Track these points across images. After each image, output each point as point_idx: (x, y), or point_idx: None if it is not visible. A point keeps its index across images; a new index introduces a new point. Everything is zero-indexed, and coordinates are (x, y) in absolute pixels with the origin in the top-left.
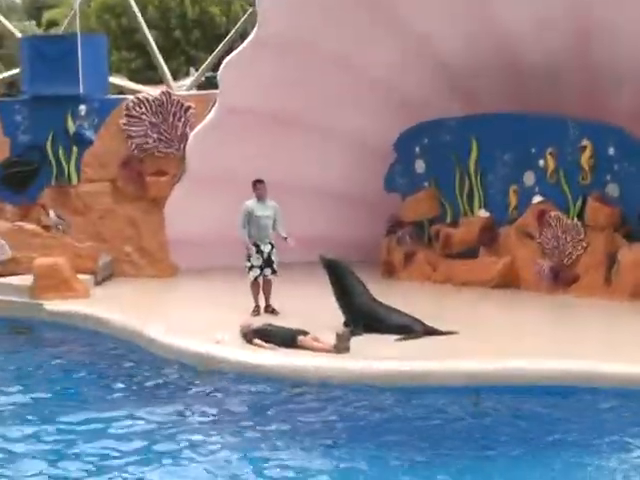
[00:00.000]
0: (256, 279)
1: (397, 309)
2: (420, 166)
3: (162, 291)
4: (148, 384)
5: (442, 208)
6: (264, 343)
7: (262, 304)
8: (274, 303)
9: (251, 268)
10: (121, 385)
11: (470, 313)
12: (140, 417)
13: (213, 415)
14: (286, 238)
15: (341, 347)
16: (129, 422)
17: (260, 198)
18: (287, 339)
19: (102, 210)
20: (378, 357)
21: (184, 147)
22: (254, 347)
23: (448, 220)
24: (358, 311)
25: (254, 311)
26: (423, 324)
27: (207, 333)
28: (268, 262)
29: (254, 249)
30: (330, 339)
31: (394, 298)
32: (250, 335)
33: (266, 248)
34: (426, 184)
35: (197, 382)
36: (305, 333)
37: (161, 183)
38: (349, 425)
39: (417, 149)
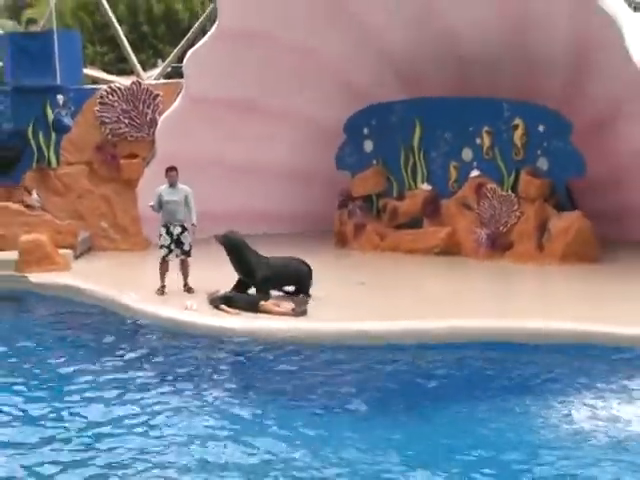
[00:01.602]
0: (164, 259)
1: (278, 258)
2: (368, 145)
3: (135, 263)
4: (122, 345)
5: (389, 183)
6: (229, 309)
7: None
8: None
9: (160, 247)
10: (93, 344)
11: (413, 279)
12: (111, 369)
13: (163, 370)
14: (193, 225)
15: (299, 311)
16: (95, 374)
17: (171, 184)
18: (250, 304)
19: (80, 190)
20: (332, 319)
21: (153, 132)
22: (220, 312)
23: (394, 194)
24: (264, 279)
25: (158, 290)
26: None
27: (178, 301)
28: (177, 243)
29: (163, 230)
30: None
31: (346, 266)
32: (216, 302)
33: (176, 230)
34: (374, 162)
35: (166, 344)
36: (266, 298)
37: (133, 165)
38: (299, 382)
39: (365, 130)
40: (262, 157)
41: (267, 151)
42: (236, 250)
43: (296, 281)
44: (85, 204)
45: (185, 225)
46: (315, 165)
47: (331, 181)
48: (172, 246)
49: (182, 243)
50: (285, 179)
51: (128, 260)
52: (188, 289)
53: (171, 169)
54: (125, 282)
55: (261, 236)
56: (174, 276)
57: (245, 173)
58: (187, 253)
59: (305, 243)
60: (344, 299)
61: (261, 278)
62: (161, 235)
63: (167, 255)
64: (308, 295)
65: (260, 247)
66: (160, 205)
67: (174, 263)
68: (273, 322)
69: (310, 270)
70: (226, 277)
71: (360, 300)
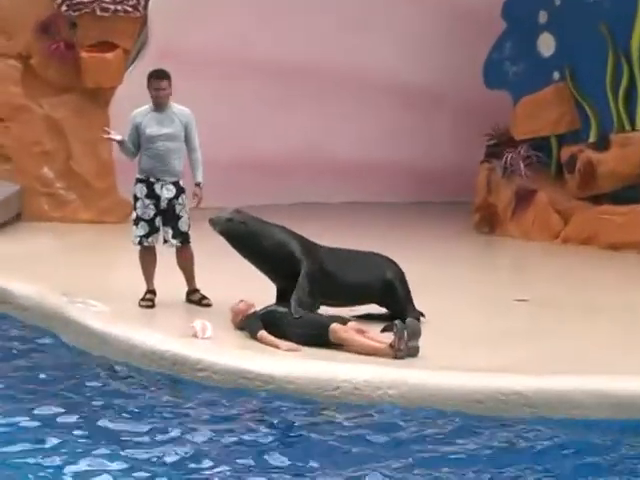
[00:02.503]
0: (143, 244)
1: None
2: (546, 45)
3: (103, 247)
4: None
5: (582, 117)
6: (275, 339)
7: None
8: (202, 287)
9: (135, 224)
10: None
11: (624, 295)
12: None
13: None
14: (198, 184)
15: (403, 348)
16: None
17: (159, 105)
18: (314, 329)
19: (5, 107)
20: (479, 366)
21: (146, 3)
22: (259, 344)
23: (591, 138)
24: (310, 277)
25: (143, 300)
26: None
27: (178, 320)
28: (168, 218)
29: (141, 190)
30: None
31: (495, 267)
32: (252, 325)
33: (165, 192)
34: (555, 76)
35: (155, 403)
36: (343, 320)
37: (105, 63)
38: None
39: (542, 16)
40: (342, 59)
41: (354, 50)
42: (246, 241)
43: (377, 294)
44: (14, 133)
45: (181, 183)
46: (441, 80)
47: (471, 110)
48: (157, 221)
49: (177, 217)
50: (384, 102)
51: (90, 240)
52: (199, 300)
53: (159, 76)
54: (82, 283)
55: (334, 207)
56: (172, 276)
57: (308, 85)
58: (185, 237)
59: (418, 223)
60: (493, 328)
61: (307, 275)
62: (137, 199)
63: (147, 238)
64: (418, 316)
65: (325, 231)
66: (137, 143)
67: (167, 255)
68: (362, 368)
69: (401, 273)
70: (262, 282)
71: (525, 331)
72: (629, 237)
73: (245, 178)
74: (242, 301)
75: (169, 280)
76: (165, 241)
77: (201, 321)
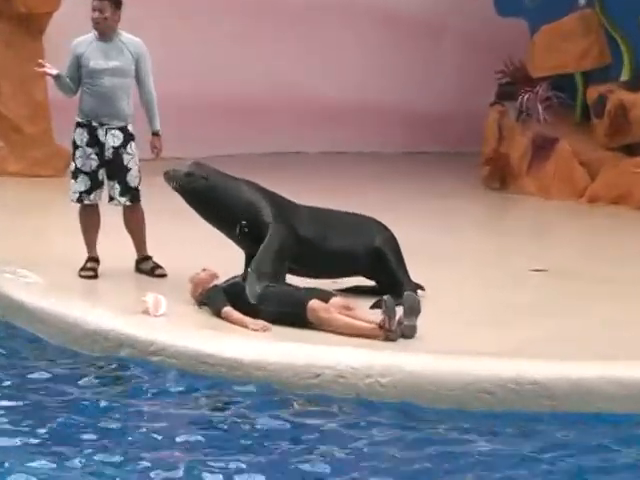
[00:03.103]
0: (83, 201)
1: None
2: None
3: (38, 205)
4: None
5: (612, 51)
6: (243, 317)
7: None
8: (155, 254)
9: (74, 177)
10: None
11: None
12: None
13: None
14: (156, 133)
15: (397, 327)
16: None
17: (102, 33)
18: (289, 306)
19: None
20: (485, 349)
21: None
22: (224, 322)
23: (624, 75)
24: (279, 243)
25: (84, 268)
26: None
27: (126, 293)
28: (114, 170)
29: (81, 136)
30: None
31: (507, 231)
32: (215, 300)
33: (110, 139)
34: (581, 0)
35: (98, 390)
36: (325, 296)
37: None
38: None
39: None
40: None
41: None
42: (209, 200)
43: (364, 264)
44: None
45: (130, 129)
46: (441, 4)
47: (478, 42)
48: (101, 174)
49: (125, 169)
50: (371, 32)
51: (21, 197)
52: (152, 269)
53: None
54: (11, 249)
55: (313, 157)
56: (118, 241)
57: (281, 13)
58: (134, 194)
59: (414, 178)
60: (505, 305)
61: (273, 241)
62: (76, 147)
63: (88, 194)
64: (416, 289)
65: (300, 187)
66: (77, 79)
67: (112, 216)
68: (347, 352)
69: (393, 239)
70: (227, 248)
71: (543, 307)
72: None
73: (208, 124)
74: (204, 270)
75: (115, 246)
76: (111, 199)
77: (154, 295)
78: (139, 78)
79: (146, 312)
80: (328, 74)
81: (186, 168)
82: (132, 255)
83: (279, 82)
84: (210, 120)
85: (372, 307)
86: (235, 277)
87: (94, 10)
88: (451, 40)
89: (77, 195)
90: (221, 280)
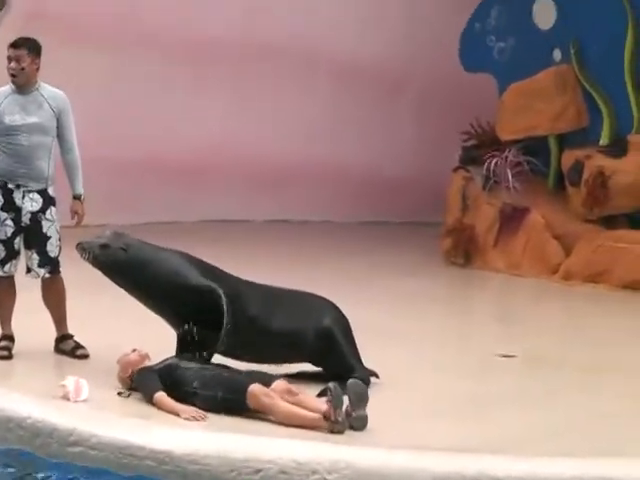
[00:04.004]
0: None
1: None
2: (545, 12)
3: None
4: None
5: (591, 111)
6: (176, 404)
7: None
8: (76, 332)
9: None
10: None
11: None
12: None
13: None
14: (78, 197)
15: (340, 419)
16: None
17: (19, 85)
18: (228, 393)
19: None
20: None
21: None
22: (155, 409)
23: (603, 139)
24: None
25: None
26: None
27: (43, 377)
28: (33, 238)
29: None
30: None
31: (472, 311)
32: (146, 384)
33: (28, 203)
34: (557, 54)
35: None
36: (267, 379)
37: None
38: None
39: None
40: (268, 28)
41: (285, 17)
42: (131, 272)
43: (310, 348)
44: None
45: (51, 192)
46: (402, 57)
47: (442, 99)
48: (17, 243)
49: (44, 237)
50: (325, 86)
51: None
52: (73, 349)
53: (15, 44)
54: None
55: (255, 226)
56: (36, 317)
57: (222, 66)
58: (54, 264)
59: (368, 251)
60: (469, 394)
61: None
62: None
63: (3, 266)
64: (369, 376)
65: (241, 259)
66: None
67: (29, 289)
68: (292, 445)
69: (344, 320)
70: (158, 325)
71: (511, 397)
72: None
73: (138, 188)
74: (134, 351)
75: (32, 322)
76: (28, 270)
77: (74, 378)
78: (60, 135)
79: (66, 397)
80: (272, 133)
81: (102, 239)
82: (51, 333)
83: (218, 143)
84: (143, 184)
85: (319, 395)
86: (168, 359)
87: (10, 60)
88: (412, 96)
89: None
90: (153, 361)
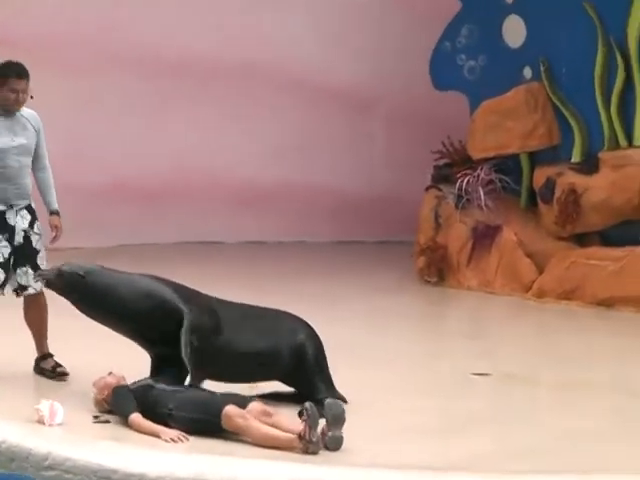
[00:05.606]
0: None
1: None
2: (515, 30)
3: None
4: None
5: (562, 129)
6: (155, 425)
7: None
8: (57, 352)
9: None
10: None
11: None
12: None
13: None
14: (56, 213)
15: (315, 439)
16: None
17: (8, 108)
18: (202, 414)
19: None
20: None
21: None
22: (132, 431)
23: (575, 156)
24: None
25: None
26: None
27: (23, 401)
28: (25, 254)
29: None
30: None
31: (446, 332)
32: (123, 406)
33: (20, 221)
34: (527, 72)
35: None
36: (242, 400)
37: None
38: None
39: None
40: (234, 46)
41: (250, 35)
42: (92, 298)
43: (282, 367)
44: None
45: (34, 206)
46: (373, 76)
47: (413, 118)
48: (11, 262)
49: (35, 252)
50: (292, 105)
51: None
52: (53, 367)
53: (19, 74)
54: None
55: (228, 248)
56: (9, 337)
57: (186, 84)
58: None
59: (340, 270)
60: (443, 413)
61: (187, 332)
62: None
63: (2, 288)
64: (341, 397)
65: (213, 280)
66: None
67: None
68: (268, 466)
69: (317, 339)
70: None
71: (485, 415)
72: (624, 290)
73: (110, 210)
74: (110, 374)
75: (5, 344)
76: (22, 288)
77: (49, 402)
78: (37, 153)
79: (41, 421)
80: (244, 155)
81: (56, 269)
82: (26, 354)
83: (190, 165)
84: (115, 207)
85: (299, 414)
86: (144, 379)
87: (16, 92)
88: (383, 115)
89: None
90: (128, 383)
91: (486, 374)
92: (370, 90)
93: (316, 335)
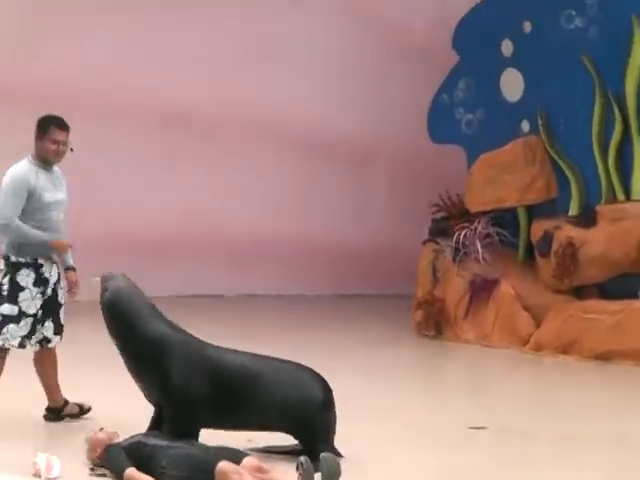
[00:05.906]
0: (24, 346)
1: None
2: (512, 84)
3: None
4: None
5: (559, 183)
6: (150, 478)
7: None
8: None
9: (16, 320)
10: None
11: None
12: None
13: None
14: (73, 269)
15: None
16: None
17: (50, 159)
18: (196, 472)
19: None
20: None
21: None
22: None
23: (572, 210)
24: (184, 400)
25: None
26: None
27: (11, 456)
28: (51, 307)
29: (30, 277)
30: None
31: (445, 384)
32: (116, 461)
33: (54, 273)
34: (525, 126)
35: None
36: (237, 455)
37: None
38: None
39: (505, 46)
40: (239, 101)
41: (256, 89)
42: (109, 315)
43: (292, 420)
44: None
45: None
46: (373, 131)
47: (411, 172)
48: (39, 315)
49: (58, 306)
50: (295, 160)
51: None
52: (81, 409)
53: (62, 126)
54: None
55: (229, 301)
56: (8, 388)
57: (193, 138)
58: (62, 330)
59: (340, 324)
60: (440, 467)
61: (179, 391)
62: (20, 289)
63: (29, 339)
64: (337, 451)
65: (215, 332)
66: (32, 213)
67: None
68: None
69: (329, 394)
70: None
71: (482, 469)
72: (622, 343)
73: (107, 262)
74: (101, 430)
75: (3, 395)
76: (48, 340)
77: (46, 455)
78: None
79: (37, 475)
80: (243, 208)
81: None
82: (23, 407)
83: (189, 219)
84: (112, 259)
85: (296, 468)
86: (136, 435)
87: (57, 143)
88: (381, 169)
89: (18, 340)
90: (121, 439)
91: (482, 427)
92: (369, 144)
93: (329, 388)
